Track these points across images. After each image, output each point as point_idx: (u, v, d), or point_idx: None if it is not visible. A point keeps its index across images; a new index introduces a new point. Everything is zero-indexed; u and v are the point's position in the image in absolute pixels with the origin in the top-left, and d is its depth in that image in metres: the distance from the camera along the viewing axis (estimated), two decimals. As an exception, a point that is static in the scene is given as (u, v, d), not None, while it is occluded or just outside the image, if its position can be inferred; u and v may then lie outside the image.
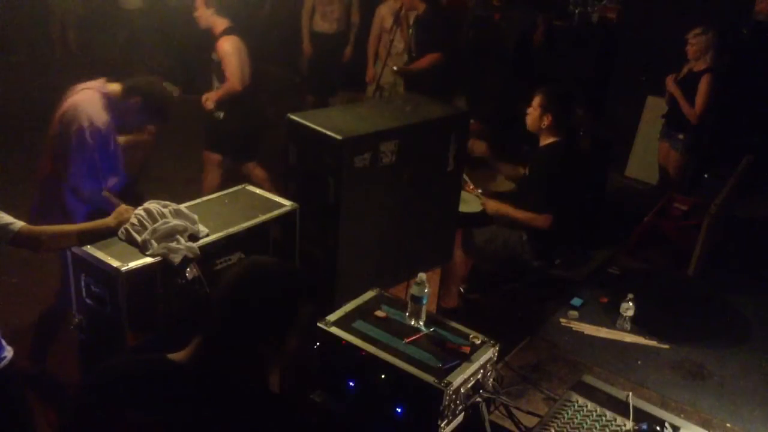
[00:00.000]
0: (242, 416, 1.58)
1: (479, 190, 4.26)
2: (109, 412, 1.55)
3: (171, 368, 1.63)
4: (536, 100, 4.11)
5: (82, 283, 2.45)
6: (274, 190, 3.15)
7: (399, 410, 2.27)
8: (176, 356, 1.65)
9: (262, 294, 1.68)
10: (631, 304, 3.32)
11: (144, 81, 3.50)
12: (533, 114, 4.11)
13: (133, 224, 2.51)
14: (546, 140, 4.14)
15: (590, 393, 2.46)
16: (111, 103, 3.35)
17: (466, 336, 2.46)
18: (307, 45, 6.87)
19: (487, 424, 2.33)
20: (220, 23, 4.87)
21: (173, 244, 2.43)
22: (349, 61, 6.86)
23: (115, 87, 3.39)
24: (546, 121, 4.07)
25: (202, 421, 1.56)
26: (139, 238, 2.46)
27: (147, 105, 3.41)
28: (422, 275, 2.49)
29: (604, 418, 2.35)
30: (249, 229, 2.70)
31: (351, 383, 2.38)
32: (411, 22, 5.78)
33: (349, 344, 2.35)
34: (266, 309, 1.67)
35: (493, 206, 4.16)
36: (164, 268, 2.41)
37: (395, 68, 5.79)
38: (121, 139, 3.55)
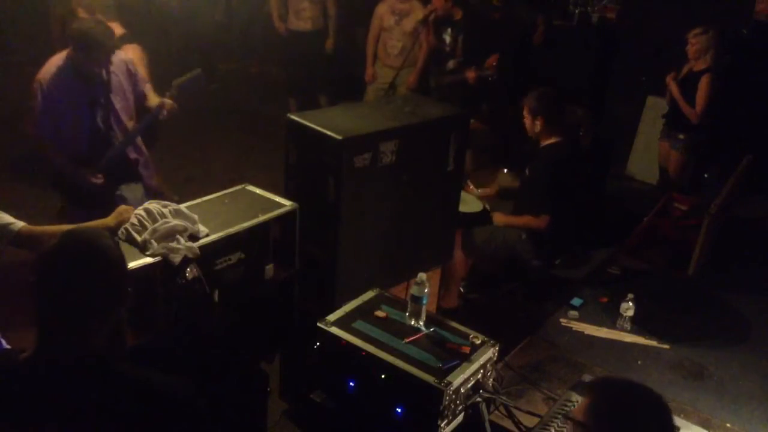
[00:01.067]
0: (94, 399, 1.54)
1: (487, 206, 4.30)
2: None
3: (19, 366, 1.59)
4: (525, 108, 4.19)
5: (82, 283, 2.45)
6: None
7: (399, 410, 2.28)
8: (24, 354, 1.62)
9: (88, 265, 1.66)
10: (631, 304, 3.32)
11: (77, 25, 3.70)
12: (526, 121, 4.19)
13: (133, 224, 2.51)
14: (546, 141, 4.17)
15: (590, 393, 2.46)
16: (68, 60, 3.66)
17: (466, 336, 2.47)
18: (278, 22, 6.85)
19: (487, 424, 2.33)
20: (117, 29, 4.25)
21: (173, 244, 2.43)
22: (333, 59, 6.83)
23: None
24: (538, 125, 4.13)
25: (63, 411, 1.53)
26: (139, 238, 2.46)
27: (78, 46, 3.59)
28: (422, 275, 2.49)
29: (604, 418, 2.35)
30: (249, 229, 2.70)
31: (351, 383, 2.38)
32: (436, 26, 5.87)
33: (349, 344, 2.36)
34: (92, 279, 1.65)
35: (501, 220, 4.26)
36: (164, 268, 2.41)
37: (489, 75, 5.86)
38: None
